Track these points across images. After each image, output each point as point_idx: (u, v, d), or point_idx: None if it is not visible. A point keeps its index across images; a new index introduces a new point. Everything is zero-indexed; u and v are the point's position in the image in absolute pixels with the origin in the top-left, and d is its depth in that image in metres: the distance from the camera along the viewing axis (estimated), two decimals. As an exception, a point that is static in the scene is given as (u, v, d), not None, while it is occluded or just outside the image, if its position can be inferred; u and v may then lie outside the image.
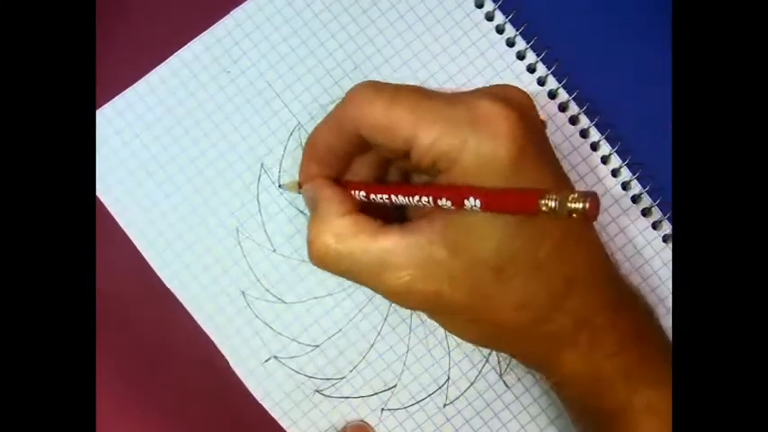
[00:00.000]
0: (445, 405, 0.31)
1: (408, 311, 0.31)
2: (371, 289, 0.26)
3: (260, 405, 0.31)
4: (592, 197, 0.21)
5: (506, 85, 0.27)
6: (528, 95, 0.26)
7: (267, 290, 0.31)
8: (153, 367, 0.31)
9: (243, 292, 0.31)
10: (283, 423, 0.31)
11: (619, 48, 0.33)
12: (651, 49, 0.32)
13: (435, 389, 0.31)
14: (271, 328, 0.31)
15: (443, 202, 0.24)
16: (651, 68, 0.32)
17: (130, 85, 0.31)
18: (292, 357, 0.31)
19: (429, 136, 0.24)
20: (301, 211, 0.31)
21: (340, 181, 0.28)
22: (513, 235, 0.24)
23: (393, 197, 0.26)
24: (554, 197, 0.21)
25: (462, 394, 0.31)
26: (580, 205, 0.21)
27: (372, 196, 0.27)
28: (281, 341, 0.31)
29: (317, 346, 0.31)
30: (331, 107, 0.28)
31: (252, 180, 0.31)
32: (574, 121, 0.32)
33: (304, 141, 0.30)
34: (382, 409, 0.31)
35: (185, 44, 0.31)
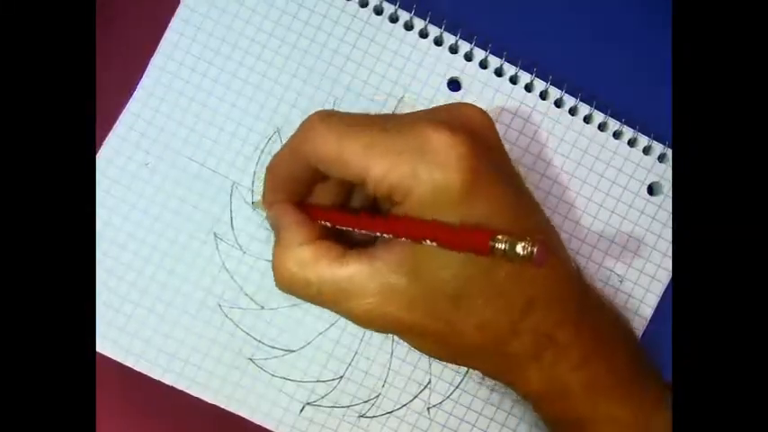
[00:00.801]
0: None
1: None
2: (337, 314, 0.27)
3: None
4: (540, 244, 0.21)
5: (461, 104, 0.27)
6: (484, 114, 0.26)
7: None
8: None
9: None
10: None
11: (619, 48, 0.33)
12: (650, 49, 0.32)
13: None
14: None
15: (402, 240, 0.24)
16: (650, 68, 0.32)
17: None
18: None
19: (380, 169, 0.24)
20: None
21: (303, 204, 0.28)
22: (471, 262, 0.24)
23: (356, 229, 0.26)
24: (504, 240, 0.22)
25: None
26: (528, 250, 0.21)
27: (337, 225, 0.27)
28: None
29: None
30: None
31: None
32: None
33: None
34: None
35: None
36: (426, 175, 0.24)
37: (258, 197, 0.31)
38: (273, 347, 0.31)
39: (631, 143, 0.32)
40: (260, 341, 0.31)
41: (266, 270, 0.31)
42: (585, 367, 0.26)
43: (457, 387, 0.31)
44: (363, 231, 0.26)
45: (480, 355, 0.27)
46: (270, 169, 0.28)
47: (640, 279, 0.32)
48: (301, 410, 0.31)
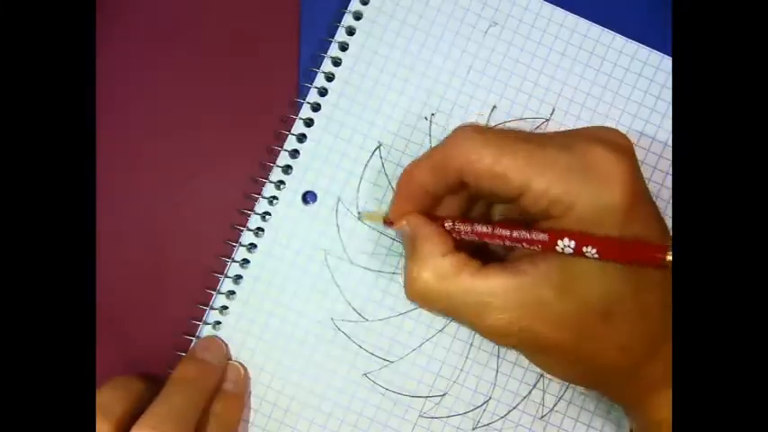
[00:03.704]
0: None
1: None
2: (470, 328, 0.26)
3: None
4: None
5: (608, 128, 0.27)
6: (629, 139, 0.26)
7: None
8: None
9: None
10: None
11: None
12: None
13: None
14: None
15: (563, 244, 0.24)
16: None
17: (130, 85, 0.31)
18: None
19: (543, 183, 0.24)
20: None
21: (433, 217, 0.28)
22: (623, 281, 0.24)
23: (498, 240, 0.26)
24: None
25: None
26: None
27: (474, 236, 0.27)
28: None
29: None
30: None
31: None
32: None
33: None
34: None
35: (183, 45, 0.31)
36: (591, 191, 0.24)
37: (365, 210, 0.31)
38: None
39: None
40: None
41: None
42: None
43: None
44: (502, 242, 0.26)
45: (612, 376, 0.26)
46: (405, 180, 0.28)
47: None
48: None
